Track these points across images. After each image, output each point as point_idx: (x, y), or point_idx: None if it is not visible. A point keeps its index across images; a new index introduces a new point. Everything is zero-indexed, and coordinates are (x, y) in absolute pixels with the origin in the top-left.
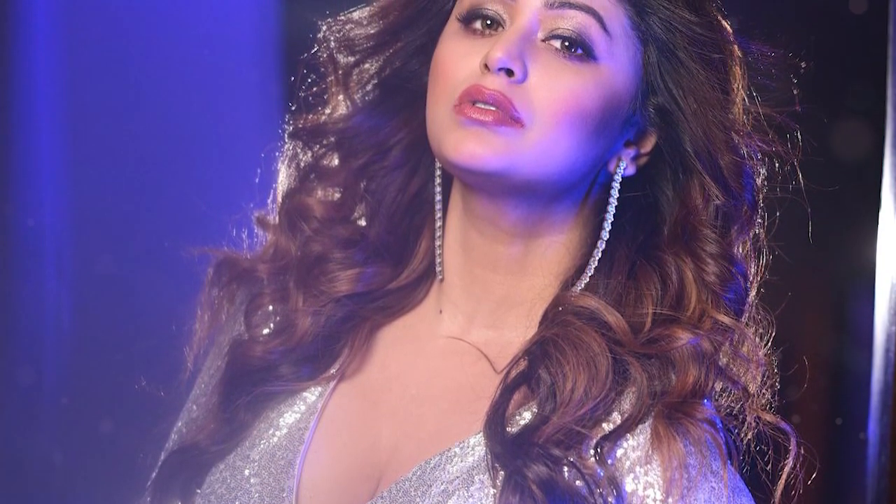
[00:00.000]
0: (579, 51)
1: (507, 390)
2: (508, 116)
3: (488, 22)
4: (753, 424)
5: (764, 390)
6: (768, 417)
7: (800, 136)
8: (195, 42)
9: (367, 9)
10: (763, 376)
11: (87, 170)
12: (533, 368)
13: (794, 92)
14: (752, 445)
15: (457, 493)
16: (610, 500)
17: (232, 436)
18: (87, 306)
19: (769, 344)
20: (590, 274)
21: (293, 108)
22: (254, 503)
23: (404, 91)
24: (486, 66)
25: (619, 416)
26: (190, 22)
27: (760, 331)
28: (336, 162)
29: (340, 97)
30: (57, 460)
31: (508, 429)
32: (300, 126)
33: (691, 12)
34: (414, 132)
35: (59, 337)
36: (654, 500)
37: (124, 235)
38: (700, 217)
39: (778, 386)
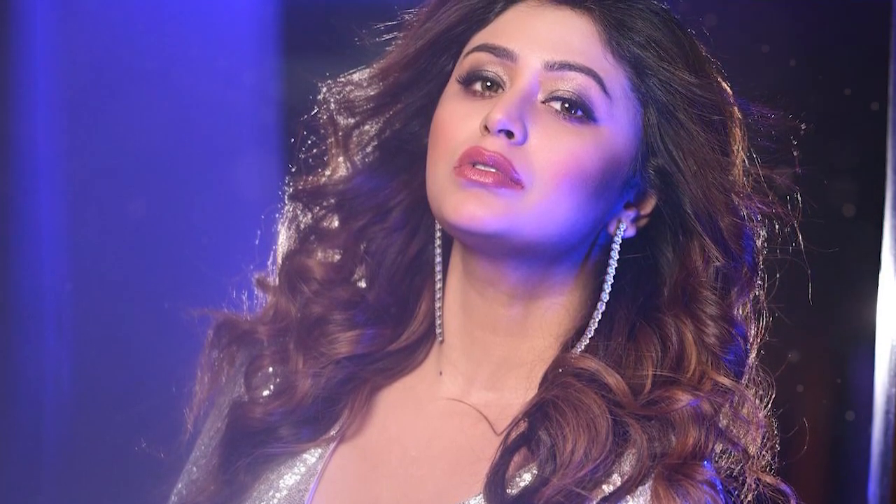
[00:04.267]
0: (579, 112)
1: (508, 452)
2: (508, 178)
3: (488, 83)
4: (753, 486)
5: (764, 452)
6: (768, 479)
7: (800, 198)
8: (195, 104)
9: (367, 70)
10: (763, 438)
11: (86, 231)
12: (533, 430)
13: (794, 153)
14: None
15: None
16: None
17: (232, 497)
18: (87, 368)
19: (769, 405)
20: (590, 335)
21: (293, 170)
22: None
23: (404, 152)
24: (486, 127)
25: (620, 478)
26: (190, 83)
27: (760, 392)
28: (336, 223)
29: (340, 159)
30: None
31: (508, 490)
32: (300, 188)
33: (691, 74)
34: (414, 194)
35: (59, 398)
36: None
37: (124, 297)
38: (700, 279)
39: (778, 447)
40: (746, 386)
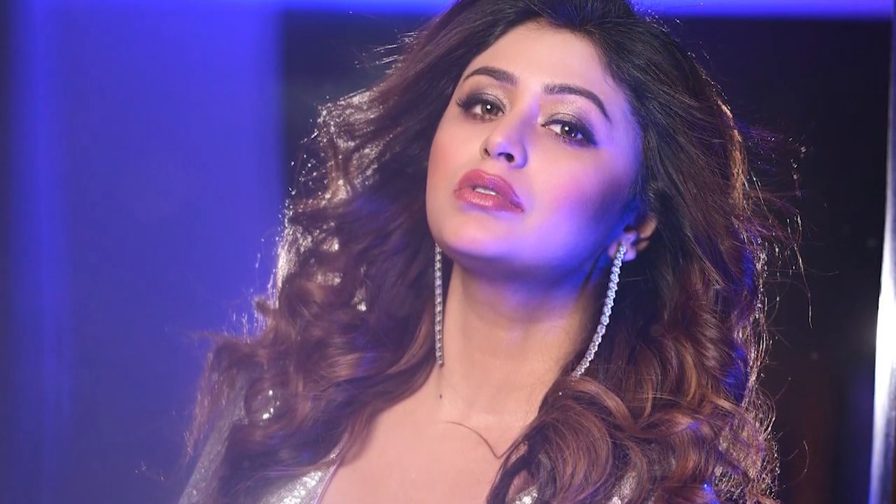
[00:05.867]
0: (579, 135)
1: (508, 475)
2: (508, 201)
3: (488, 107)
4: None
5: (764, 475)
6: (769, 502)
7: (800, 221)
8: (195, 127)
9: (367, 94)
10: (763, 461)
11: (87, 254)
12: (533, 453)
13: (794, 177)
14: None
15: None
16: None
17: None
18: (87, 391)
19: (769, 429)
20: (590, 359)
21: (293, 193)
22: None
23: (404, 176)
24: (486, 150)
25: (619, 501)
26: (190, 107)
27: (760, 416)
28: (336, 247)
29: (340, 182)
30: None
31: None
32: (300, 211)
33: (691, 97)
34: (414, 217)
35: (59, 421)
36: None
37: (124, 320)
38: (700, 302)
39: (778, 471)
40: (746, 409)
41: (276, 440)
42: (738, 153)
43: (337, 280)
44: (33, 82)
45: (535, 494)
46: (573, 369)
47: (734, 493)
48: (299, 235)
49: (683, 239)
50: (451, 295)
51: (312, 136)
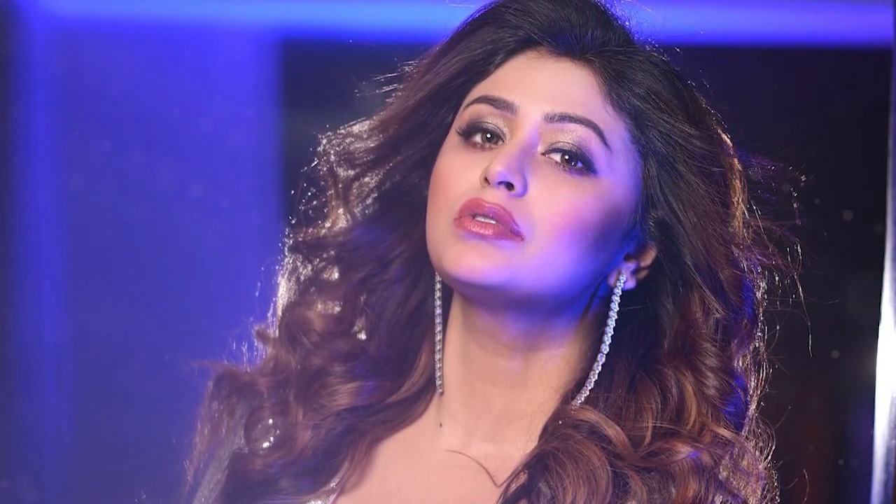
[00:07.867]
0: (579, 164)
1: None
2: (508, 230)
3: (488, 135)
4: None
5: None
6: None
7: (800, 250)
8: (195, 155)
9: (367, 122)
10: (763, 490)
11: (87, 283)
12: (533, 482)
13: (794, 206)
14: None
15: None
16: None
17: None
18: (87, 419)
19: (769, 457)
20: (590, 387)
21: (293, 222)
22: None
23: (404, 204)
24: (486, 179)
25: None
26: (190, 136)
27: (760, 444)
28: (336, 275)
29: (340, 210)
30: None
31: None
32: (300, 239)
33: (691, 126)
34: (414, 245)
35: (59, 450)
36: None
37: (124, 349)
38: (700, 331)
39: (778, 499)
40: (746, 438)
41: (276, 469)
42: (738, 182)
43: (337, 309)
44: (33, 109)
45: None
46: (573, 398)
47: None
48: (299, 264)
49: (683, 267)
50: (451, 323)
51: (312, 165)
